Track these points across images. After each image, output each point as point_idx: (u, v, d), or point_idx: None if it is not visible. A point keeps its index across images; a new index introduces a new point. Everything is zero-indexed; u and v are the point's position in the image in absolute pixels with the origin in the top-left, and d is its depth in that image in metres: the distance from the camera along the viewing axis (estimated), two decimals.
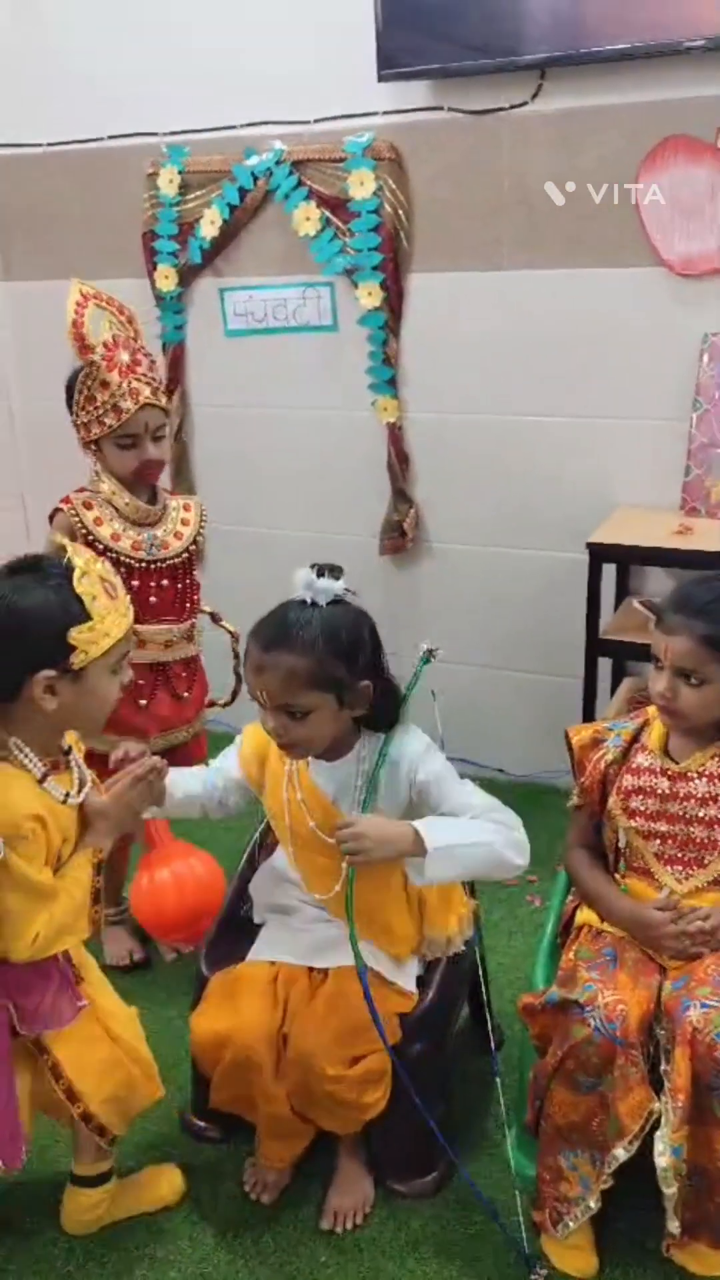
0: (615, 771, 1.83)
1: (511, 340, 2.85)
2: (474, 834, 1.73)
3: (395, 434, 3.03)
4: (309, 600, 1.70)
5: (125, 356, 2.16)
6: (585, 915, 1.87)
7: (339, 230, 2.88)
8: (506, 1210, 1.79)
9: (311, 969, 1.86)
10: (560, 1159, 1.71)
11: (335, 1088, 1.75)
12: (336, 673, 1.68)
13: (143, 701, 2.29)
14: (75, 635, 1.50)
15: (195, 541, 2.35)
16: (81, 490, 2.25)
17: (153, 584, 2.27)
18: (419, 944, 1.92)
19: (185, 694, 2.38)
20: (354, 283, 2.92)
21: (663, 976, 1.72)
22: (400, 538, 3.07)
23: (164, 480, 2.45)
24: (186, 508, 2.37)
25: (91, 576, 1.54)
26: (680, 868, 1.78)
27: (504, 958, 2.43)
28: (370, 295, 2.90)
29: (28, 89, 3.16)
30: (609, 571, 2.68)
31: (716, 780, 1.75)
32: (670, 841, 1.78)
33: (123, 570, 2.20)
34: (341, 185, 2.84)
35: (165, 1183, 1.91)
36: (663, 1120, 1.58)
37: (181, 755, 2.32)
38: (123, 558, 2.21)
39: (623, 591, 2.85)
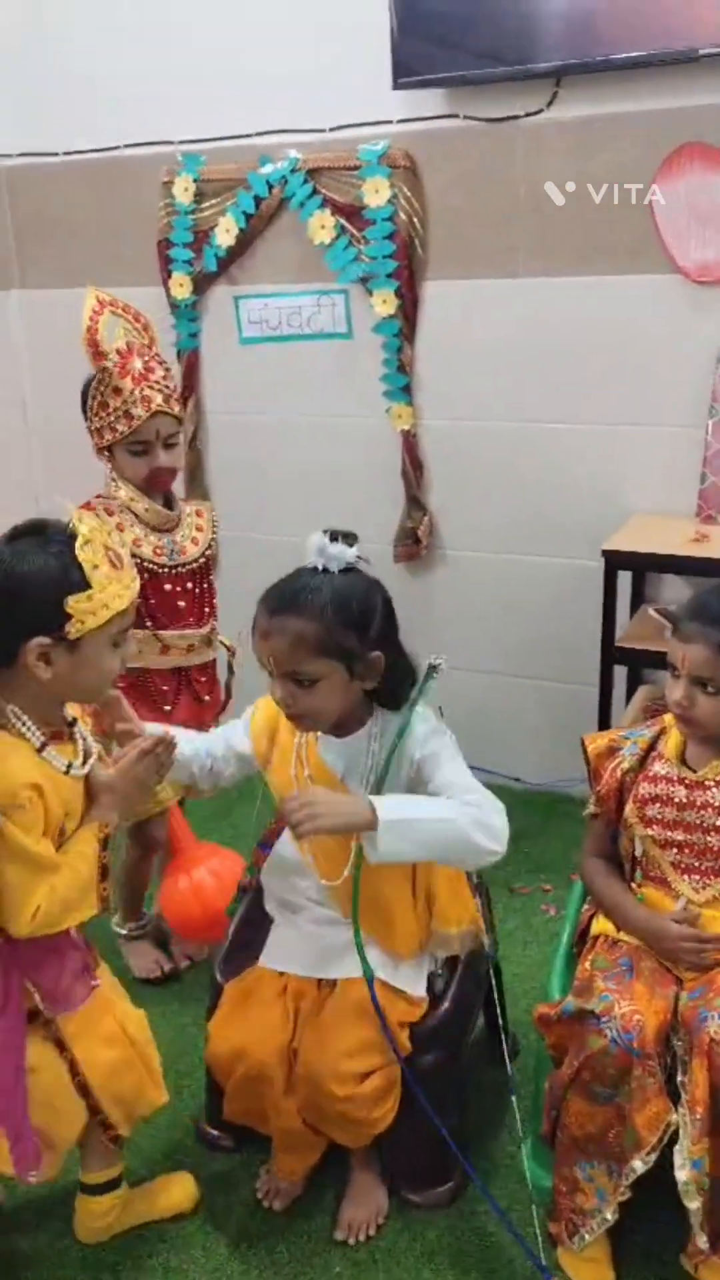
0: (632, 780, 1.82)
1: (526, 347, 2.84)
2: (436, 811, 1.65)
3: (409, 441, 3.02)
4: (320, 567, 1.67)
5: (139, 364, 2.17)
6: (601, 925, 1.85)
7: (354, 238, 2.89)
8: (522, 1222, 1.79)
9: (320, 980, 1.84)
10: (576, 1170, 1.70)
11: (346, 1107, 1.74)
12: (346, 641, 1.64)
13: (167, 707, 2.30)
14: (73, 604, 1.46)
15: (210, 546, 2.36)
16: (99, 497, 2.26)
17: (179, 588, 2.28)
18: (425, 941, 1.87)
19: (206, 698, 2.39)
20: (368, 290, 2.92)
21: (679, 987, 1.71)
22: (414, 545, 3.07)
23: (178, 487, 2.45)
24: (199, 513, 2.38)
25: (95, 545, 1.49)
26: (697, 877, 1.76)
27: (519, 967, 2.42)
28: (385, 303, 2.90)
29: (44, 98, 3.18)
30: (624, 579, 2.67)
31: None
32: (687, 850, 1.77)
33: (146, 575, 2.20)
34: (356, 193, 2.84)
35: (178, 1189, 1.91)
36: (681, 1133, 1.57)
37: None
38: (146, 563, 2.22)
39: (638, 599, 2.84)
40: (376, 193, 2.81)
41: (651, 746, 1.84)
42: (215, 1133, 2.02)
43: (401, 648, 1.74)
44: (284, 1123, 1.81)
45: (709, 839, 1.74)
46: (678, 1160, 1.57)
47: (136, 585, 1.57)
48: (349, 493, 3.12)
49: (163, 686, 2.28)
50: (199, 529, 2.35)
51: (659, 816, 1.78)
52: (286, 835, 1.83)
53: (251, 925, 1.97)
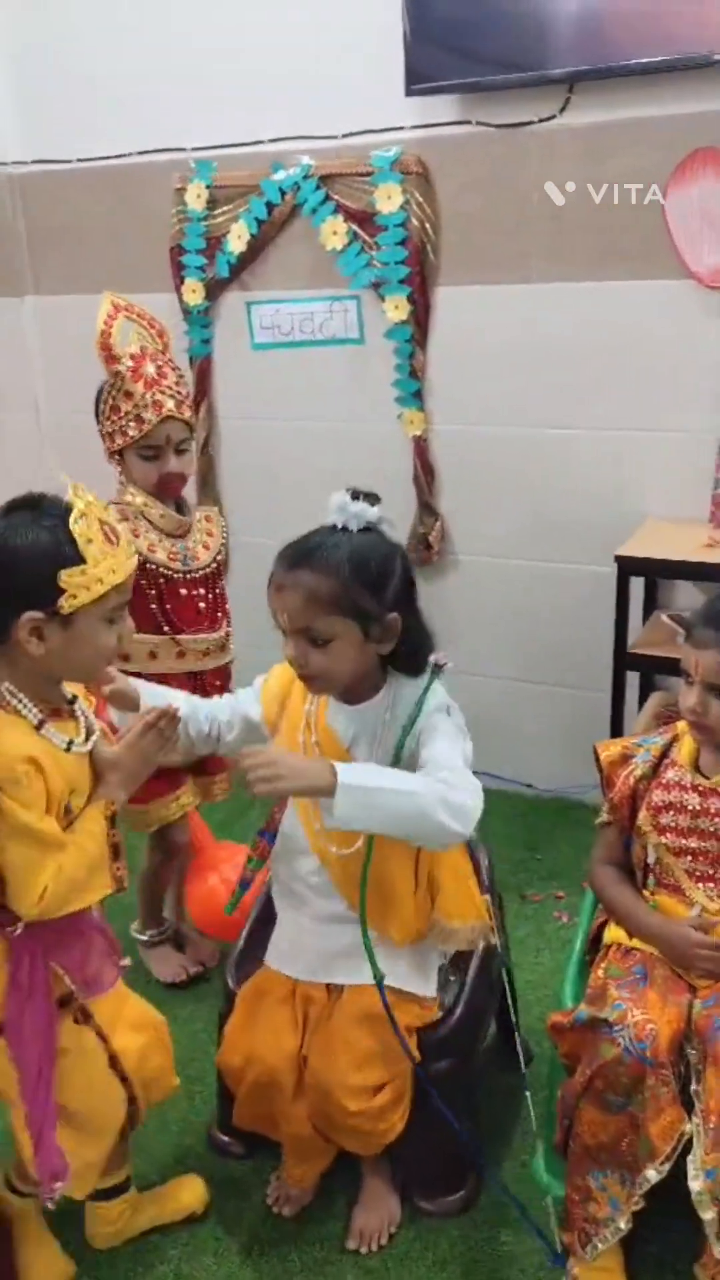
0: (645, 787, 1.81)
1: (539, 353, 2.84)
2: (400, 783, 1.56)
3: (421, 447, 3.02)
4: (340, 525, 1.65)
5: (151, 369, 2.17)
6: (614, 932, 1.85)
7: (366, 244, 2.89)
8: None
9: (328, 985, 1.81)
10: (589, 1179, 1.69)
11: (357, 1121, 1.73)
12: (362, 600, 1.59)
13: None
14: (65, 578, 1.44)
15: (220, 551, 2.36)
16: (113, 503, 2.25)
17: (193, 593, 2.29)
18: (424, 932, 1.81)
19: None
20: (380, 296, 2.92)
21: (693, 995, 1.69)
22: (426, 550, 3.06)
23: (190, 493, 2.45)
24: (208, 519, 2.38)
25: (90, 519, 1.47)
26: (712, 885, 1.75)
27: (531, 974, 2.41)
28: (397, 308, 2.90)
29: (57, 106, 3.19)
30: (637, 585, 2.67)
31: None
32: (702, 858, 1.76)
33: (162, 581, 2.21)
34: (368, 199, 2.84)
35: (188, 1192, 1.90)
36: (695, 1142, 1.56)
37: (213, 762, 2.34)
38: (161, 569, 2.22)
39: (651, 605, 2.84)
40: (389, 199, 2.81)
41: (664, 754, 1.83)
42: (226, 1139, 2.02)
43: (420, 613, 1.70)
44: (294, 1129, 1.80)
45: None
46: (691, 1170, 1.55)
47: (133, 562, 1.55)
48: None
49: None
50: (209, 534, 2.35)
51: (673, 824, 1.77)
52: (293, 811, 1.80)
53: (268, 926, 1.95)
